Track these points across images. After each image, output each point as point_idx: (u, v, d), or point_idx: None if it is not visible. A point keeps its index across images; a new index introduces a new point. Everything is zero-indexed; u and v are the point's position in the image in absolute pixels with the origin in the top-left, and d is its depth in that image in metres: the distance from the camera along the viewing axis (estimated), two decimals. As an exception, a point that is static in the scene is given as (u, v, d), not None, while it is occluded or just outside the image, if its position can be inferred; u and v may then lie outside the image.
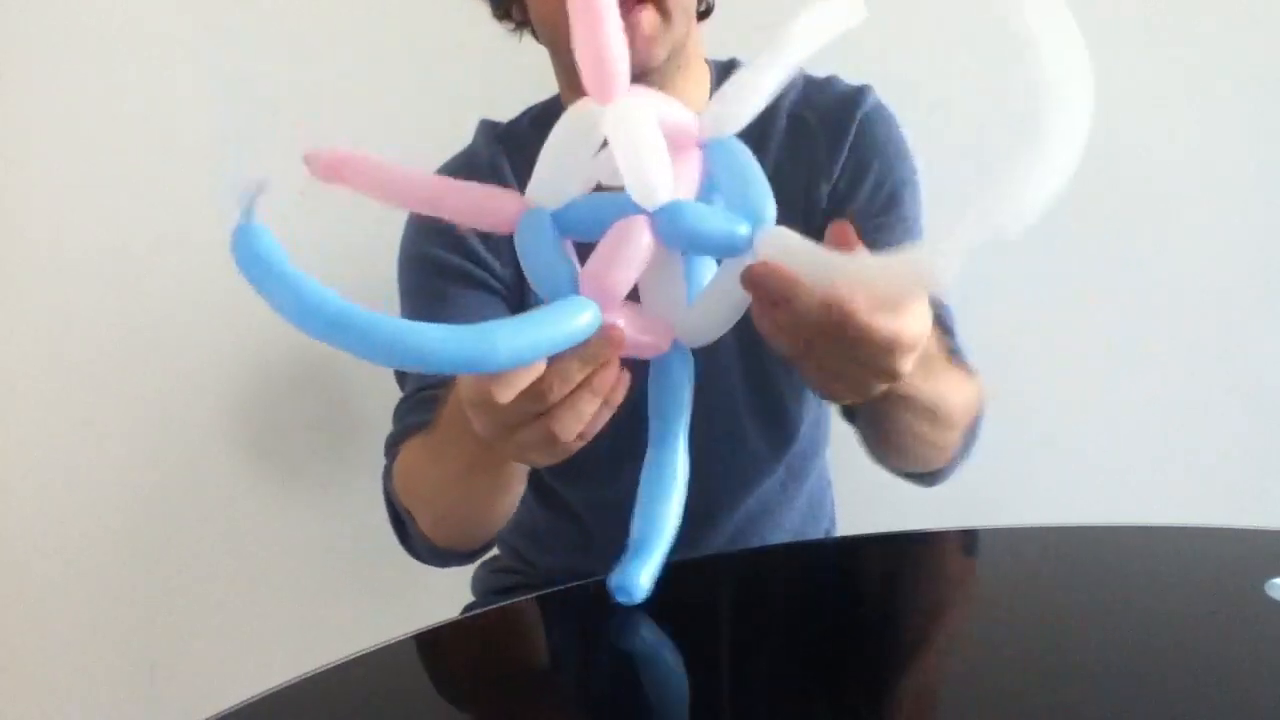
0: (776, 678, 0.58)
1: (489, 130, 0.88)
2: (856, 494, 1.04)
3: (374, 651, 0.59)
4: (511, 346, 0.45)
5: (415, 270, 0.84)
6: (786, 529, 0.91)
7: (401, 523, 0.77)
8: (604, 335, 0.50)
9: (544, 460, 0.55)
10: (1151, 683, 0.55)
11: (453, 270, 0.81)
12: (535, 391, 0.50)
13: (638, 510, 0.59)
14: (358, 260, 1.19)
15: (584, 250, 0.54)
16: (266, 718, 0.53)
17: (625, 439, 0.84)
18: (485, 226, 0.55)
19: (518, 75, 0.86)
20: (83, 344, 1.21)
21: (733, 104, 0.56)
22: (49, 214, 1.19)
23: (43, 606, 1.27)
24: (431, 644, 0.63)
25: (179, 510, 1.26)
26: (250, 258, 0.48)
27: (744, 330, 0.85)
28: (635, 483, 0.87)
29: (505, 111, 0.89)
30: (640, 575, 0.57)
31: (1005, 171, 0.42)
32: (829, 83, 0.84)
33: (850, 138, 0.81)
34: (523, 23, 0.84)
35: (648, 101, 0.53)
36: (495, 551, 1.01)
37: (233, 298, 1.21)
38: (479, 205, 0.55)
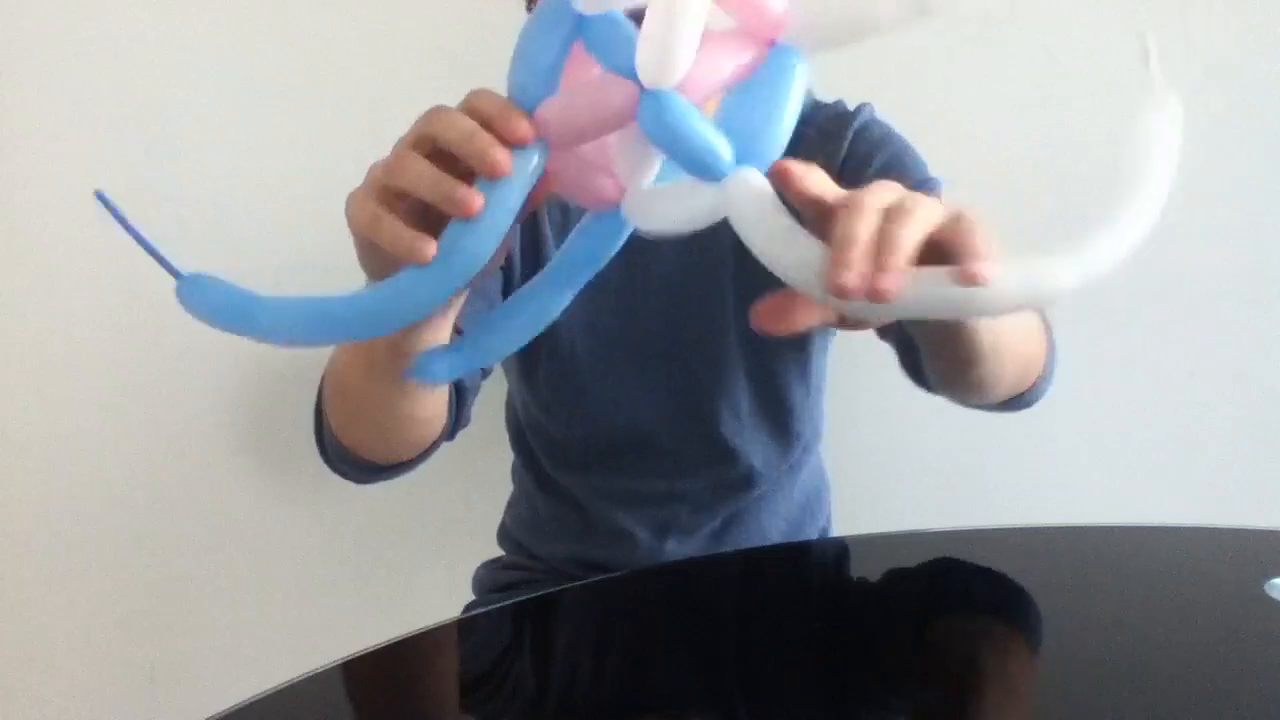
0: (775, 678, 0.58)
1: None
2: (855, 494, 1.04)
3: (374, 651, 0.59)
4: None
5: None
6: (783, 516, 0.92)
7: (320, 424, 0.74)
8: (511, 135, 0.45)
9: (399, 249, 0.45)
10: (1152, 682, 0.55)
11: None
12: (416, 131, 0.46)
13: (492, 320, 0.53)
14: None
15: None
16: (266, 718, 0.53)
17: (623, 430, 0.84)
18: None
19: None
20: (82, 344, 1.21)
21: (835, 13, 0.46)
22: (49, 214, 1.19)
23: (43, 606, 1.27)
24: (431, 644, 0.63)
25: (179, 510, 1.26)
26: (204, 306, 0.50)
27: (743, 314, 0.85)
28: (633, 472, 0.88)
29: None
30: (445, 369, 0.52)
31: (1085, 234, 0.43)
32: (832, 105, 0.85)
33: (847, 142, 0.81)
34: None
35: None
36: (497, 551, 1.02)
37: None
38: None
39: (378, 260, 0.48)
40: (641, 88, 0.45)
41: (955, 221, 0.42)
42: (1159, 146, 0.48)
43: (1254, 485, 1.24)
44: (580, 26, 0.47)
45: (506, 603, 0.74)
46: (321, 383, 0.73)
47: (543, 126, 0.46)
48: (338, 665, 0.57)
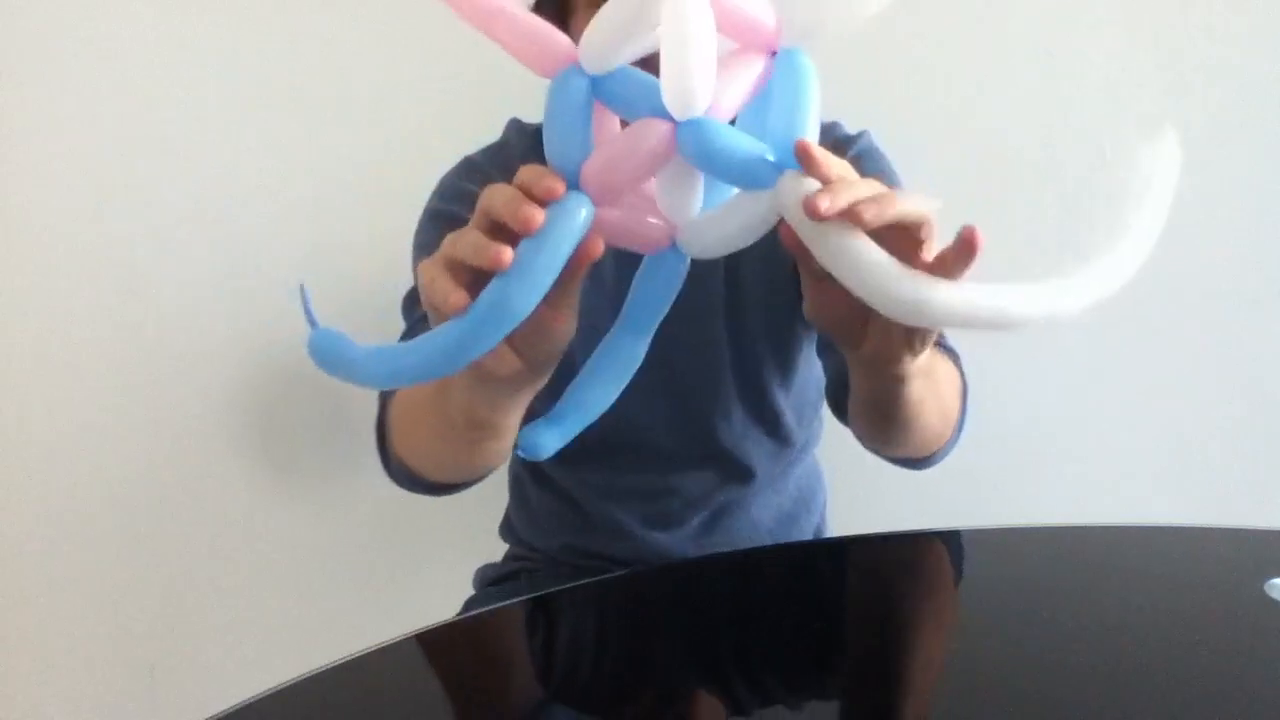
0: (773, 677, 0.58)
1: (520, 127, 0.90)
2: (851, 495, 1.04)
3: (374, 651, 0.59)
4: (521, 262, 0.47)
5: (432, 228, 0.84)
6: (775, 508, 0.94)
7: (385, 444, 0.78)
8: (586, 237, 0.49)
9: (438, 301, 0.49)
10: (1151, 682, 0.55)
11: None
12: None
13: (581, 379, 0.57)
14: (369, 258, 1.19)
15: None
16: (266, 718, 0.53)
17: (618, 429, 0.85)
18: (525, 60, 0.51)
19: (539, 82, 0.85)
20: (83, 344, 1.21)
21: (825, 12, 0.50)
22: (49, 214, 1.19)
23: (43, 606, 1.27)
24: (431, 644, 0.63)
25: (179, 510, 1.26)
26: (329, 358, 0.53)
27: (733, 318, 0.86)
28: (627, 468, 0.90)
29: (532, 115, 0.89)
30: (552, 440, 0.56)
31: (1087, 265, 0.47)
32: (827, 130, 0.86)
33: None
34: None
35: None
36: (497, 552, 1.02)
37: (233, 297, 1.22)
38: (529, 35, 0.51)
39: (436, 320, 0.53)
40: (675, 122, 0.48)
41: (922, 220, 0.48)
42: (1153, 187, 0.52)
43: (1254, 485, 1.24)
44: (595, 88, 0.50)
45: (507, 603, 0.74)
46: (383, 407, 0.78)
47: (588, 185, 0.49)
48: (338, 665, 0.57)
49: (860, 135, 0.87)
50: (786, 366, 0.88)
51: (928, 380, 0.66)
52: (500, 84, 0.92)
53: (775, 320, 0.86)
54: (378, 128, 1.19)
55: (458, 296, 0.48)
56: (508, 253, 0.47)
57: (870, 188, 0.48)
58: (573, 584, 0.69)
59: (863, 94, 0.92)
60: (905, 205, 0.47)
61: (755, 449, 0.90)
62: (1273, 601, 0.61)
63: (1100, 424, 1.23)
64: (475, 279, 0.49)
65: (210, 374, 1.23)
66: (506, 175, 0.52)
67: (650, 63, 0.49)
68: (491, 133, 0.91)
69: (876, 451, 0.80)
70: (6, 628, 1.27)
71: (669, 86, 0.47)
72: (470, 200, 0.80)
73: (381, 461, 0.79)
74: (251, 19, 1.17)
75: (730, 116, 0.50)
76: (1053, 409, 1.23)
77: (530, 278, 0.47)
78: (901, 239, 0.48)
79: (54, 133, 1.17)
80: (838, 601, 0.70)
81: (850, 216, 0.45)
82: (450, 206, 0.84)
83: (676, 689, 0.58)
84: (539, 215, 0.47)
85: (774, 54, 0.51)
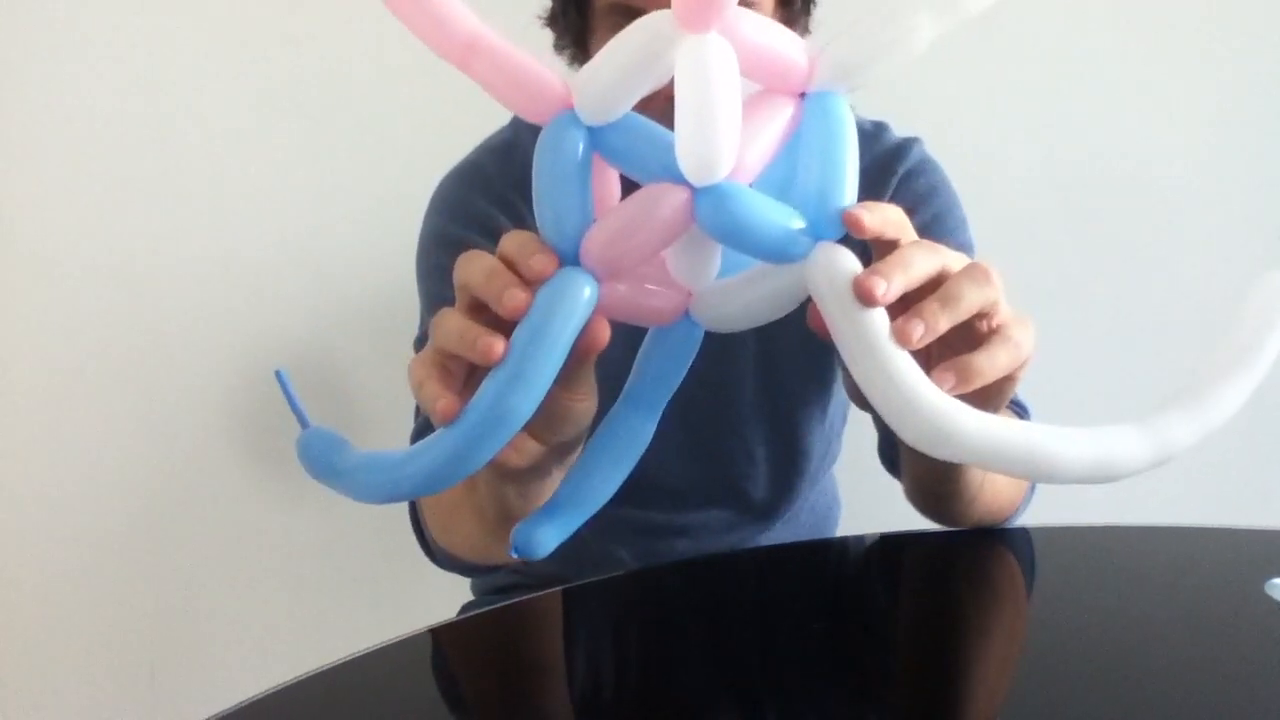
0: (774, 678, 0.58)
1: (529, 132, 0.85)
2: (860, 495, 1.04)
3: (374, 651, 0.59)
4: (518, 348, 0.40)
5: (437, 252, 0.78)
6: (788, 539, 0.89)
7: (421, 530, 0.75)
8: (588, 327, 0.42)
9: (427, 409, 0.42)
10: (1151, 683, 0.55)
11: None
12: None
13: (582, 464, 0.49)
14: (371, 260, 1.19)
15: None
16: (266, 718, 0.53)
17: None
18: (512, 105, 0.44)
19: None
20: (83, 345, 1.21)
21: (866, 51, 0.42)
22: (49, 217, 1.19)
23: (43, 606, 1.27)
24: (431, 644, 0.63)
25: (179, 510, 1.26)
26: (319, 466, 0.48)
27: (764, 356, 0.79)
28: (634, 506, 0.79)
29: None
30: (550, 536, 0.48)
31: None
32: (877, 135, 0.80)
33: (890, 191, 0.77)
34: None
35: (753, 28, 0.41)
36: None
37: (233, 298, 1.21)
38: (514, 78, 0.42)
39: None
40: (691, 188, 0.41)
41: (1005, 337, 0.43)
42: (1274, 324, 0.47)
43: (1254, 485, 1.24)
44: (594, 140, 0.42)
45: (507, 602, 0.74)
46: (414, 506, 0.73)
47: (590, 260, 0.42)
48: (338, 665, 0.57)
49: (911, 144, 0.79)
50: (823, 400, 0.82)
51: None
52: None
53: (811, 349, 0.77)
54: (378, 125, 1.19)
55: (445, 403, 0.40)
56: (499, 345, 0.39)
57: (928, 259, 0.42)
58: (576, 583, 0.69)
59: (862, 93, 0.91)
60: (968, 296, 0.41)
61: (776, 486, 0.84)
62: (1273, 601, 0.61)
63: (1100, 424, 1.23)
64: (472, 368, 0.42)
65: (210, 374, 1.23)
66: (516, 186, 0.44)
67: (654, 101, 0.42)
68: (498, 122, 0.84)
69: (938, 521, 0.73)
70: (6, 628, 1.27)
71: (685, 148, 0.39)
72: (479, 221, 0.76)
73: (423, 549, 0.74)
74: (251, 18, 1.17)
75: (754, 176, 0.43)
76: (1052, 409, 1.23)
77: (528, 376, 0.40)
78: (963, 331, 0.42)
79: (54, 133, 1.17)
80: (841, 601, 0.70)
81: (900, 336, 0.39)
82: (455, 229, 0.77)
83: (678, 689, 0.58)
84: (524, 298, 0.40)
85: (802, 95, 0.44)
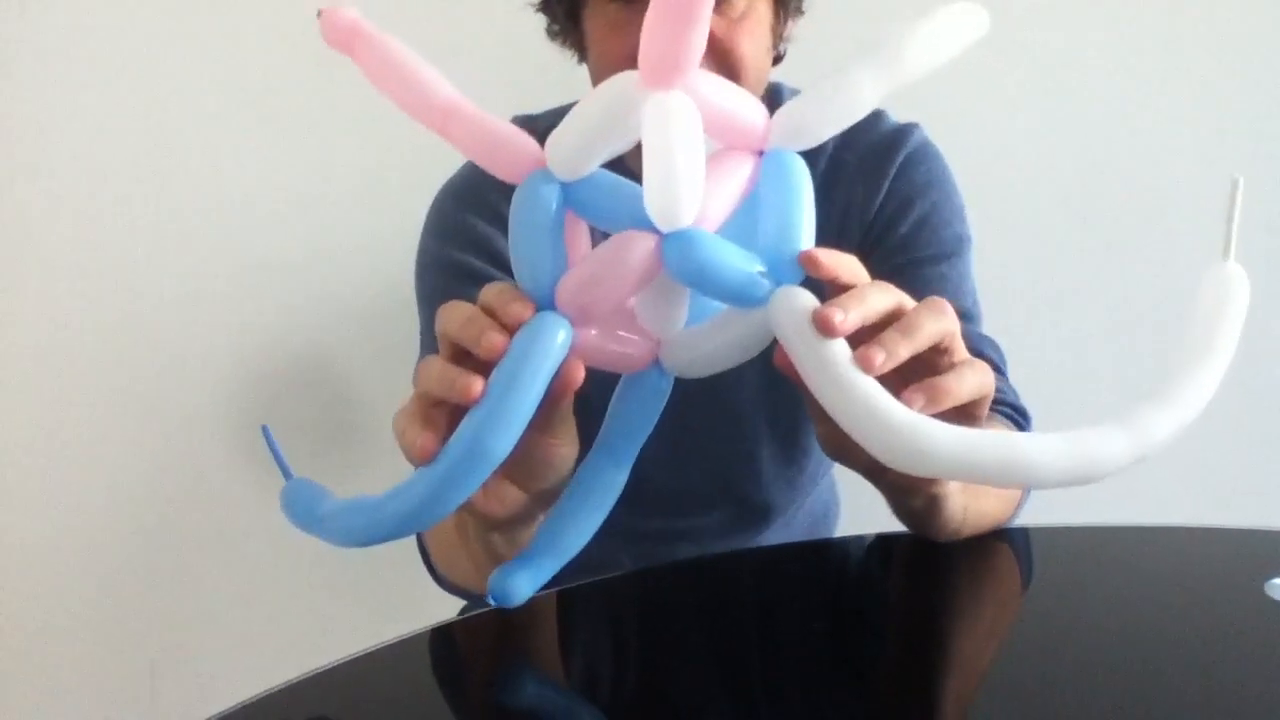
0: (774, 678, 0.58)
1: (524, 125, 0.85)
2: (860, 495, 1.04)
3: (374, 651, 0.59)
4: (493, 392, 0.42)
5: (437, 275, 0.79)
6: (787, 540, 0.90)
7: (430, 562, 0.75)
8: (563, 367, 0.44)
9: (409, 443, 0.45)
10: (1151, 682, 0.55)
11: (479, 276, 0.76)
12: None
13: (556, 513, 0.51)
14: (371, 264, 1.19)
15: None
16: (266, 718, 0.53)
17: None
18: (488, 166, 0.47)
19: (546, 74, 0.81)
20: (83, 344, 1.21)
21: (816, 114, 0.46)
22: (49, 215, 1.19)
23: (43, 606, 1.27)
24: (432, 644, 0.63)
25: (179, 510, 1.26)
26: (299, 514, 0.50)
27: (766, 360, 0.83)
28: (633, 511, 0.82)
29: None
30: (525, 584, 0.49)
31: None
32: (874, 121, 0.79)
33: (889, 180, 0.77)
34: (579, 55, 0.77)
35: (712, 89, 0.45)
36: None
37: (232, 298, 1.21)
38: (490, 141, 0.46)
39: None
40: (659, 234, 0.44)
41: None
42: (1228, 312, 0.50)
43: (1254, 485, 1.24)
44: (566, 195, 0.45)
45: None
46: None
47: (564, 305, 0.44)
48: (338, 665, 0.57)
49: (910, 129, 0.79)
50: None
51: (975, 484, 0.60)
52: (504, 78, 0.93)
53: None
54: (379, 126, 1.19)
55: (424, 440, 0.43)
56: (478, 384, 0.42)
57: (884, 296, 0.44)
58: (577, 583, 0.69)
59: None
60: (926, 327, 0.43)
61: (777, 487, 0.84)
62: (1273, 601, 0.61)
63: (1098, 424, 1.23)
64: (455, 410, 0.44)
65: (210, 374, 1.23)
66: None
67: (634, 154, 0.44)
68: None
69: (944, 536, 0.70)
70: (6, 628, 1.27)
71: (653, 198, 0.42)
72: (477, 244, 0.77)
73: (432, 577, 0.75)
74: (252, 17, 1.17)
75: (718, 225, 0.46)
76: (1052, 409, 1.23)
77: (504, 415, 0.42)
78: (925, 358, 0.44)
79: (54, 133, 1.17)
80: (839, 601, 0.70)
81: (863, 362, 0.41)
82: (452, 252, 0.78)
83: (678, 689, 0.58)
84: (501, 340, 0.42)
85: (760, 153, 0.47)
